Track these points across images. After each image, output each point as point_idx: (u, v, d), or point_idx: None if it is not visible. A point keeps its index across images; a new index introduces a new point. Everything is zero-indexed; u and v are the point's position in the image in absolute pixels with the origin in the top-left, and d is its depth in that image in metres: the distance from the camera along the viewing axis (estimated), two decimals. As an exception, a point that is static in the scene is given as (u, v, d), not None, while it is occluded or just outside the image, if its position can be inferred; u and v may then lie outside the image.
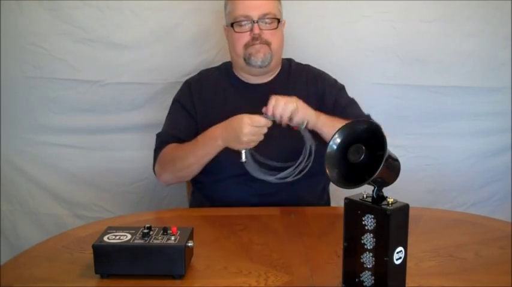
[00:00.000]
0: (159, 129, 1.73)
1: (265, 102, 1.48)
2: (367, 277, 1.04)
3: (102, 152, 2.11)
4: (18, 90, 2.04)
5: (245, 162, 1.49)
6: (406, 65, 2.06)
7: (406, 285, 1.07)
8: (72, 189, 2.13)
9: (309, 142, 1.49)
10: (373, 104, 2.07)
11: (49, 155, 2.10)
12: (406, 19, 2.04)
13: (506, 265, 1.22)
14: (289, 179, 1.49)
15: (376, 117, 1.06)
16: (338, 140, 1.06)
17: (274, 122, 1.47)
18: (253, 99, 1.54)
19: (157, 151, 1.69)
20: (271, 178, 1.50)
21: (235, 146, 1.50)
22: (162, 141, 1.69)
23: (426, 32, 2.04)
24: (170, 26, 2.02)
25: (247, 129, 1.44)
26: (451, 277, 1.18)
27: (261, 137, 1.47)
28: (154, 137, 1.74)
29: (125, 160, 2.12)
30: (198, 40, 2.03)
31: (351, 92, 2.02)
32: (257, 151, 1.50)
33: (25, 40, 1.99)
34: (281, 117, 1.45)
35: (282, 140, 1.55)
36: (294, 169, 1.49)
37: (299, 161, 1.49)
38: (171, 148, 1.65)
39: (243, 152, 1.49)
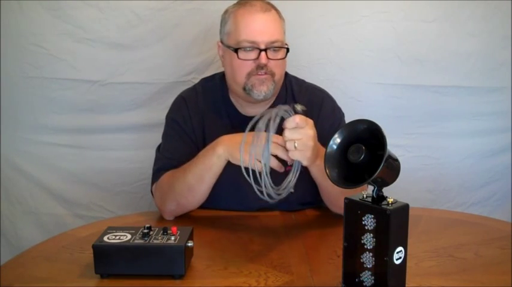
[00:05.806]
0: (159, 129, 1.71)
1: None
2: (367, 277, 1.04)
3: (102, 152, 2.11)
4: (18, 90, 2.04)
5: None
6: (406, 65, 2.06)
7: (406, 285, 1.07)
8: (72, 189, 2.13)
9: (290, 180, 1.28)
10: (373, 104, 2.08)
11: (49, 155, 2.10)
12: (406, 19, 2.04)
13: (506, 265, 1.22)
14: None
15: (376, 117, 1.06)
16: (338, 140, 1.06)
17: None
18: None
19: (155, 178, 1.55)
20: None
21: (233, 148, 1.33)
22: (159, 168, 1.55)
23: (426, 32, 2.04)
24: (170, 26, 2.02)
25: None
26: (451, 277, 1.18)
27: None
28: (154, 136, 1.73)
29: (125, 160, 2.11)
30: (198, 40, 2.03)
31: (351, 92, 2.02)
32: None
33: (25, 40, 1.99)
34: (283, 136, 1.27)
35: None
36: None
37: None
38: (168, 175, 1.51)
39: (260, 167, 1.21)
